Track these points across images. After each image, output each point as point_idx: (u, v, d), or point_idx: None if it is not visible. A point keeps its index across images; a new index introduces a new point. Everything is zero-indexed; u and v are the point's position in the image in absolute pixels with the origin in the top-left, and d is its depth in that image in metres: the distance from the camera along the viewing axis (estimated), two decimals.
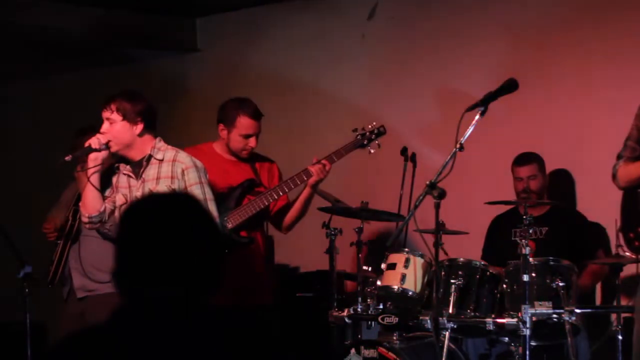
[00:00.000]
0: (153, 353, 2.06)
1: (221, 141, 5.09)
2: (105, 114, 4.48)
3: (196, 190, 4.45)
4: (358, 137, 5.12)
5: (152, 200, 2.34)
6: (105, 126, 4.49)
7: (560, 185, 6.01)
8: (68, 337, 2.14)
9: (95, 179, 4.48)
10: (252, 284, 4.96)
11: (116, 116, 4.45)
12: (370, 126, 5.17)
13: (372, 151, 5.16)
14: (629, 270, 5.33)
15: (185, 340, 2.07)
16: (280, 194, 5.00)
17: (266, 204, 4.97)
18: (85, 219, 4.55)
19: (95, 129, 5.73)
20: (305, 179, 4.98)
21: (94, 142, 4.45)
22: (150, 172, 4.49)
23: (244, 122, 5.00)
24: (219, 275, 2.18)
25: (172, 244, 2.13)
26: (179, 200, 2.28)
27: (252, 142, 5.03)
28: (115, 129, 4.46)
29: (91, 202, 4.51)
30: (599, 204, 5.94)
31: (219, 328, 2.13)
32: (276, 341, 2.17)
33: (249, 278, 4.94)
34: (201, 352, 2.07)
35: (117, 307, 2.13)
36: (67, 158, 4.44)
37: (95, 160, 4.47)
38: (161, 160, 4.49)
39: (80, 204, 4.62)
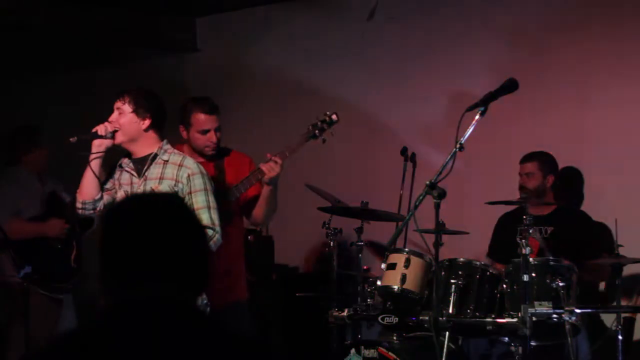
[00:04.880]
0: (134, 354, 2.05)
1: (187, 143, 5.05)
2: (117, 104, 4.52)
3: (200, 197, 4.45)
4: (309, 127, 5.04)
5: (141, 198, 2.34)
6: (115, 115, 4.52)
7: (567, 184, 6.00)
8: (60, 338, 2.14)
9: (95, 165, 4.52)
10: (222, 283, 4.84)
11: (127, 107, 4.49)
12: (322, 115, 5.03)
13: (324, 140, 5.00)
14: (629, 270, 5.33)
15: (164, 342, 2.06)
16: (237, 194, 4.92)
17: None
18: (78, 204, 4.58)
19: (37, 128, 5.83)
20: (260, 177, 4.92)
21: (100, 128, 4.49)
22: (154, 171, 4.50)
23: (198, 118, 4.94)
24: (202, 279, 2.18)
25: (159, 243, 2.13)
26: (171, 201, 2.28)
27: (211, 136, 4.94)
28: (123, 119, 4.50)
29: (88, 188, 4.54)
30: (600, 203, 5.95)
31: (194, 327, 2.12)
32: (250, 334, 2.17)
33: (219, 277, 4.82)
34: (176, 352, 2.06)
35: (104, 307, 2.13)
36: (72, 139, 4.47)
37: (98, 146, 4.51)
38: (166, 162, 4.50)
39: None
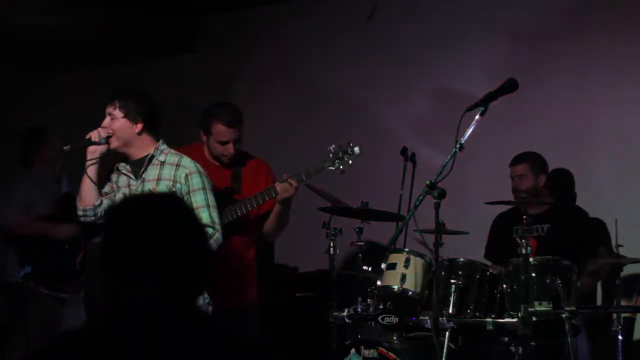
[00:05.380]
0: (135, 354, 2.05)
1: (206, 145, 5.06)
2: (109, 109, 4.50)
3: (199, 196, 4.45)
4: (330, 155, 5.02)
5: (141, 199, 2.34)
6: (107, 121, 4.51)
7: (561, 183, 6.01)
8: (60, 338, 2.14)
9: (92, 171, 4.51)
10: (229, 286, 4.85)
11: (118, 113, 4.47)
12: (345, 144, 4.99)
13: (343, 172, 4.97)
14: (629, 270, 5.33)
15: (165, 343, 2.06)
16: (249, 208, 4.93)
17: (229, 219, 4.87)
18: (79, 212, 4.57)
19: (43, 130, 5.87)
20: (274, 195, 4.94)
21: (94, 135, 4.48)
22: (151, 172, 4.49)
23: (219, 129, 4.93)
24: (202, 279, 2.18)
25: (159, 243, 2.12)
26: (171, 201, 2.28)
27: (229, 148, 4.95)
28: (115, 125, 4.48)
29: (86, 195, 4.54)
30: (600, 203, 5.95)
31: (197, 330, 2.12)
32: (255, 340, 2.16)
33: (226, 281, 4.83)
34: (181, 353, 2.06)
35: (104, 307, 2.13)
36: (66, 148, 4.47)
37: (93, 153, 4.50)
38: (163, 162, 4.49)
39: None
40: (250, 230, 5.09)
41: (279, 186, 4.90)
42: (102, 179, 4.63)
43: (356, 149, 4.97)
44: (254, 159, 5.17)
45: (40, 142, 5.97)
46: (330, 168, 4.97)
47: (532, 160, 5.69)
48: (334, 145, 4.98)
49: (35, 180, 5.88)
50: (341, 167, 4.98)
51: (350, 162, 4.98)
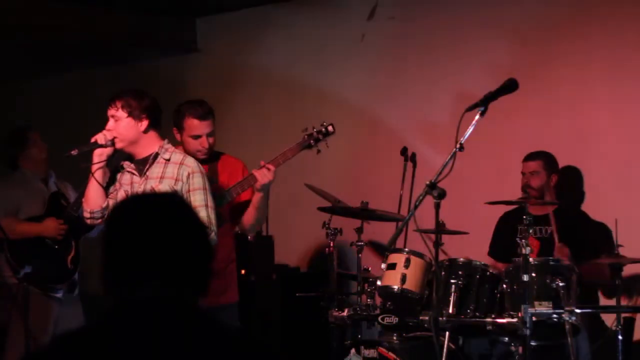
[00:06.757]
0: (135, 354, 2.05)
1: (181, 145, 5.06)
2: (111, 112, 4.52)
3: (198, 196, 4.46)
4: (305, 137, 5.03)
5: (143, 198, 2.34)
6: (111, 123, 4.53)
7: (569, 182, 6.00)
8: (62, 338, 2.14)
9: (99, 174, 4.54)
10: (213, 284, 4.82)
11: (121, 113, 4.49)
12: (319, 126, 5.03)
13: (319, 151, 5.02)
14: (629, 270, 5.33)
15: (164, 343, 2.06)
16: (229, 198, 4.94)
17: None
18: (86, 214, 4.60)
19: (29, 128, 5.84)
20: (252, 183, 4.93)
21: (100, 138, 4.50)
22: (155, 170, 4.52)
23: (190, 124, 4.95)
24: (204, 279, 2.18)
25: (160, 243, 2.12)
26: (173, 201, 2.27)
27: (203, 142, 4.94)
28: (121, 126, 4.50)
29: (94, 198, 4.56)
30: (600, 203, 5.95)
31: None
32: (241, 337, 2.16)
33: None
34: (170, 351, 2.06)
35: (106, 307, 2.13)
36: (73, 152, 4.48)
37: (100, 156, 4.53)
38: (167, 161, 4.52)
39: (83, 198, 4.66)
40: (229, 224, 5.07)
41: (257, 172, 4.89)
42: (108, 180, 4.65)
43: (330, 128, 5.01)
44: (230, 157, 5.18)
45: (24, 143, 5.94)
46: (307, 149, 4.99)
47: (547, 158, 5.68)
48: (307, 127, 5.01)
49: (21, 183, 5.86)
50: (317, 147, 5.00)
51: (326, 142, 5.00)
